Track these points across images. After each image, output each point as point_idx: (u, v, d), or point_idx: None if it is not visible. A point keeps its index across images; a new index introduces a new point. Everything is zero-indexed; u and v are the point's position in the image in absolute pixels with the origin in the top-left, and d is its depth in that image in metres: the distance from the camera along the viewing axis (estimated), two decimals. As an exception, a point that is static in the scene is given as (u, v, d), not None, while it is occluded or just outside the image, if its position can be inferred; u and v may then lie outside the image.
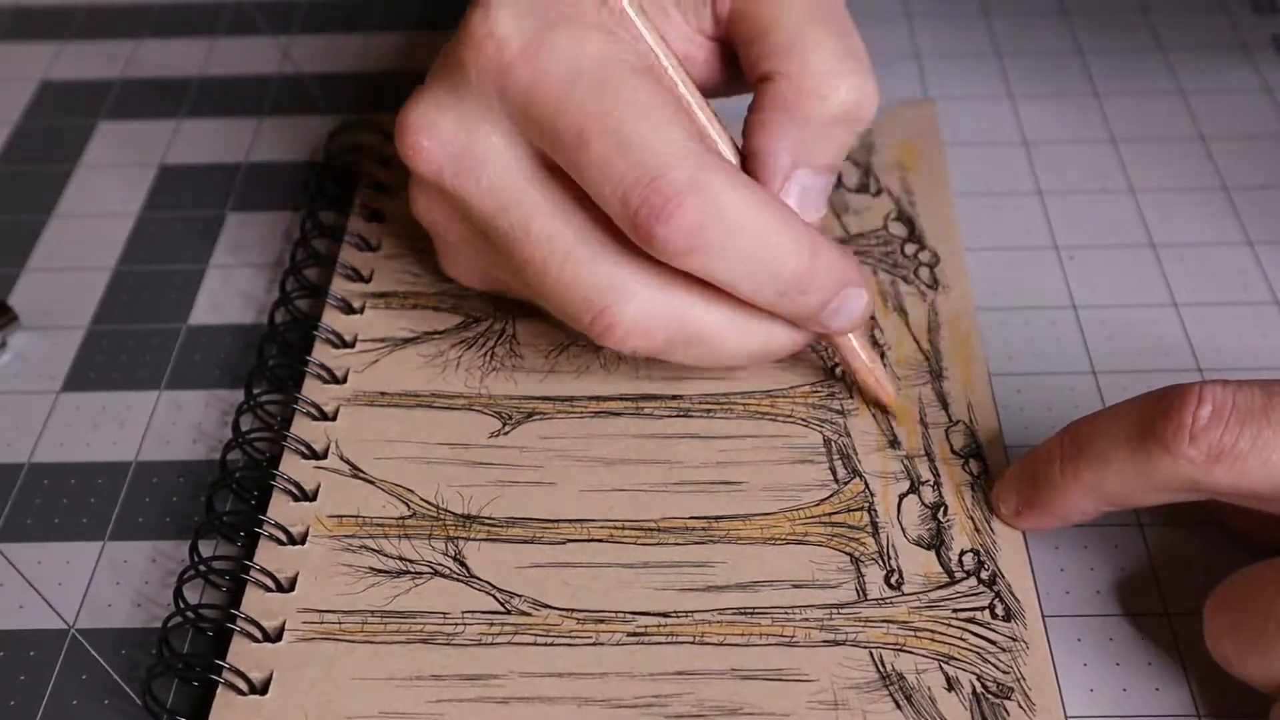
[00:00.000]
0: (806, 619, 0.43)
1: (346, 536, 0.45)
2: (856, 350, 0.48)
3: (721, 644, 0.42)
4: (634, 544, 0.45)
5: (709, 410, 0.49)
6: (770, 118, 0.46)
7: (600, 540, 0.45)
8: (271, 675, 0.42)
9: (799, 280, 0.44)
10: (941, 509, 0.46)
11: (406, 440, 0.48)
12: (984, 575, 0.44)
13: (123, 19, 0.71)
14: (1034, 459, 0.44)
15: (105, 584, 0.46)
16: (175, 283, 0.56)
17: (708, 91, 0.48)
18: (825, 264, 0.44)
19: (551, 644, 0.42)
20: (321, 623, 0.43)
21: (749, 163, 0.46)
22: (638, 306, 0.45)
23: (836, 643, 0.42)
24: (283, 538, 0.45)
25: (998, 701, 0.40)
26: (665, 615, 0.43)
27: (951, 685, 0.41)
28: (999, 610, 0.43)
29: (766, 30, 0.46)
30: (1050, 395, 0.50)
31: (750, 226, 0.43)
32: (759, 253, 0.43)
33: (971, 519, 0.45)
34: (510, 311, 0.52)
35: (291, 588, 0.44)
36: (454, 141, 0.45)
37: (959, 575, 0.44)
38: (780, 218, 0.44)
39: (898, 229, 0.56)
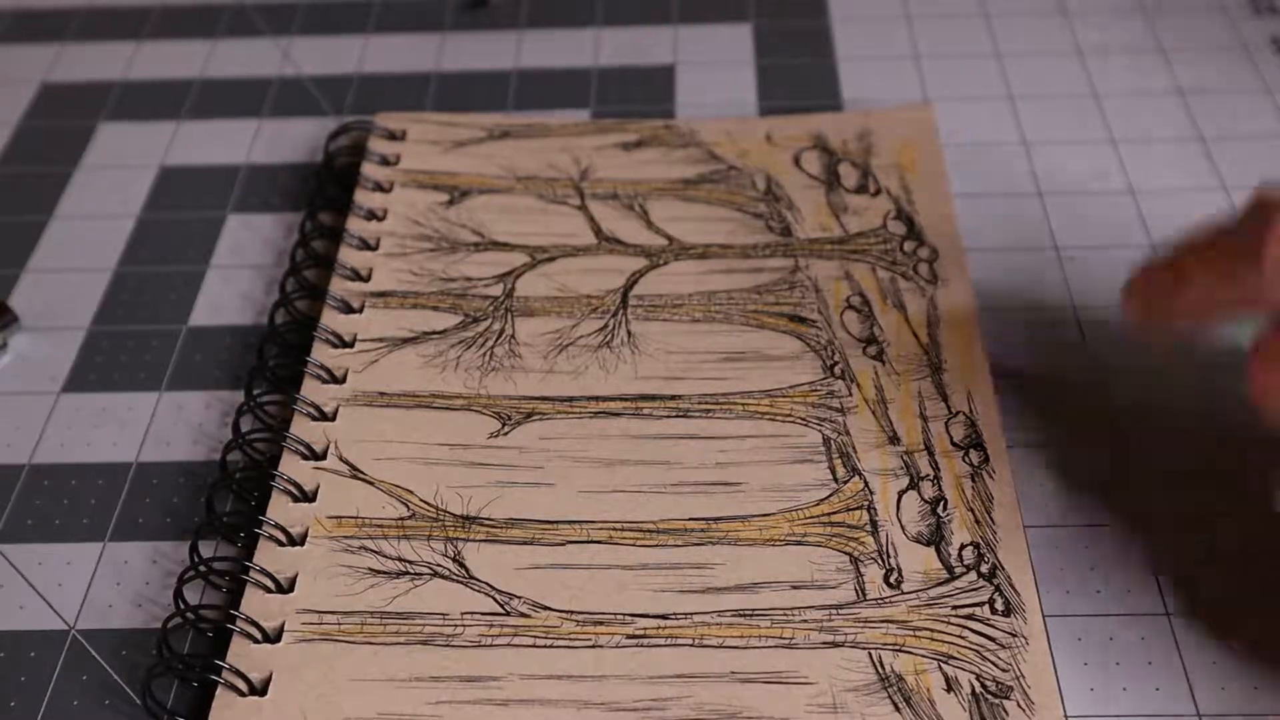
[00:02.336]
0: (806, 620, 0.43)
1: (346, 537, 0.45)
2: None
3: (721, 646, 0.42)
4: (633, 545, 0.45)
5: (708, 410, 0.49)
6: None
7: (599, 542, 0.45)
8: (271, 676, 0.42)
9: None
10: (941, 503, 0.46)
11: (406, 441, 0.48)
12: (984, 569, 0.44)
13: (123, 21, 0.71)
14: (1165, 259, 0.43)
15: (105, 585, 0.46)
16: (175, 284, 0.56)
17: None
18: None
19: (551, 646, 0.42)
20: (321, 623, 0.43)
21: None
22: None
23: (836, 644, 0.42)
24: (282, 538, 0.45)
25: (997, 701, 0.40)
26: (664, 617, 0.43)
27: (950, 686, 0.41)
28: (999, 605, 0.43)
29: None
30: (1050, 395, 0.50)
31: None
32: None
33: (971, 511, 0.45)
34: (510, 312, 0.52)
35: (291, 588, 0.44)
36: None
37: (959, 570, 0.44)
38: None
39: (897, 228, 0.56)
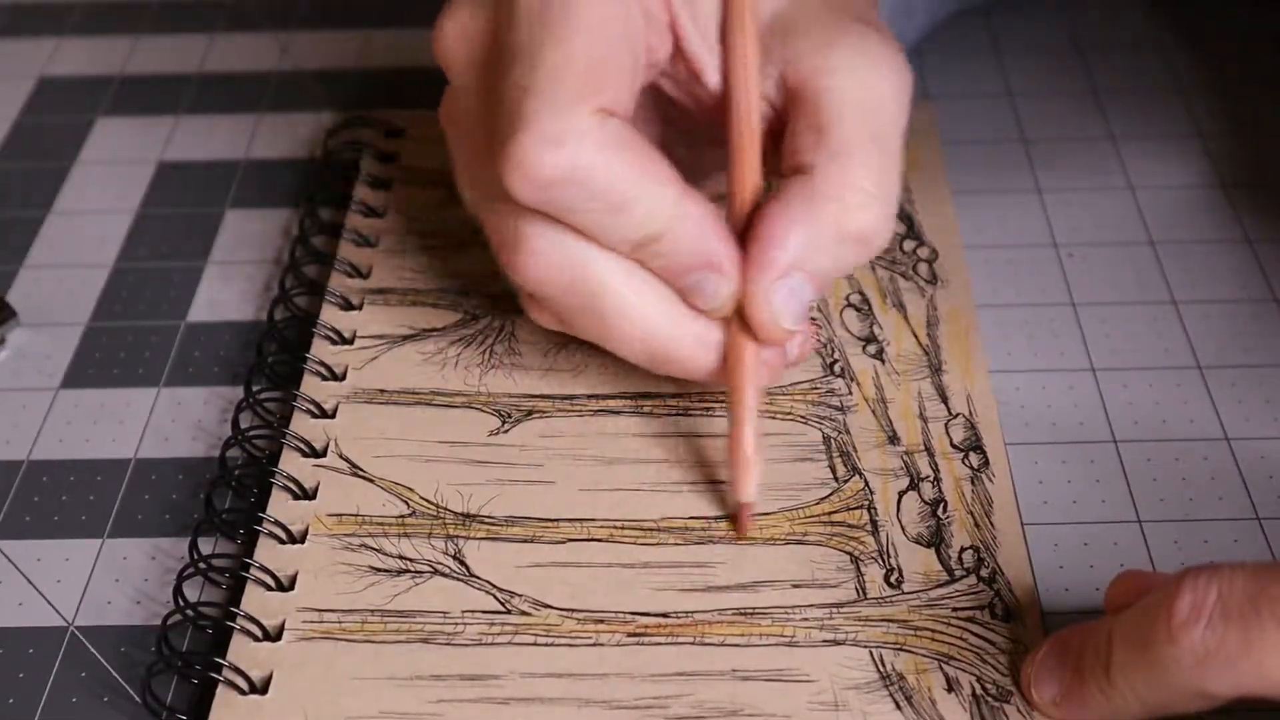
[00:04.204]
0: (806, 619, 0.43)
1: (346, 535, 0.45)
2: (741, 410, 0.45)
3: (722, 644, 0.42)
4: (634, 544, 0.45)
5: (708, 409, 0.49)
6: (791, 210, 0.44)
7: (600, 540, 0.45)
8: (271, 674, 0.42)
9: (652, 237, 0.43)
10: (941, 505, 0.46)
11: (406, 438, 0.48)
12: (984, 573, 0.44)
13: (121, 15, 0.71)
14: (1078, 647, 0.40)
15: (104, 581, 0.46)
16: (174, 280, 0.56)
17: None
18: (687, 232, 0.43)
19: (552, 644, 0.42)
20: (321, 622, 0.43)
21: (750, 246, 0.44)
22: (541, 243, 0.44)
23: (836, 642, 0.42)
24: (282, 536, 0.45)
25: (997, 705, 0.40)
26: (665, 615, 0.43)
27: (951, 686, 0.41)
28: (999, 610, 0.43)
29: (824, 126, 0.44)
30: (1049, 393, 0.50)
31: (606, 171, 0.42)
32: (610, 197, 0.42)
33: (971, 514, 0.45)
34: (510, 309, 0.52)
35: (291, 586, 0.44)
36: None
37: (959, 573, 0.44)
38: (645, 170, 0.43)
39: (896, 226, 0.56)
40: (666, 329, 0.45)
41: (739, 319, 0.45)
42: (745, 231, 0.44)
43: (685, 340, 0.45)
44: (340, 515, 0.46)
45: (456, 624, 0.43)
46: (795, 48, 0.45)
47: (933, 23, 0.63)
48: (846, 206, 0.43)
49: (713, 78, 0.46)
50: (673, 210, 0.43)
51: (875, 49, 0.45)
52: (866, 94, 0.44)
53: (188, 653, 0.43)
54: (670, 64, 0.46)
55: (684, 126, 0.48)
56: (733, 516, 0.46)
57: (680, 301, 0.45)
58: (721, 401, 0.49)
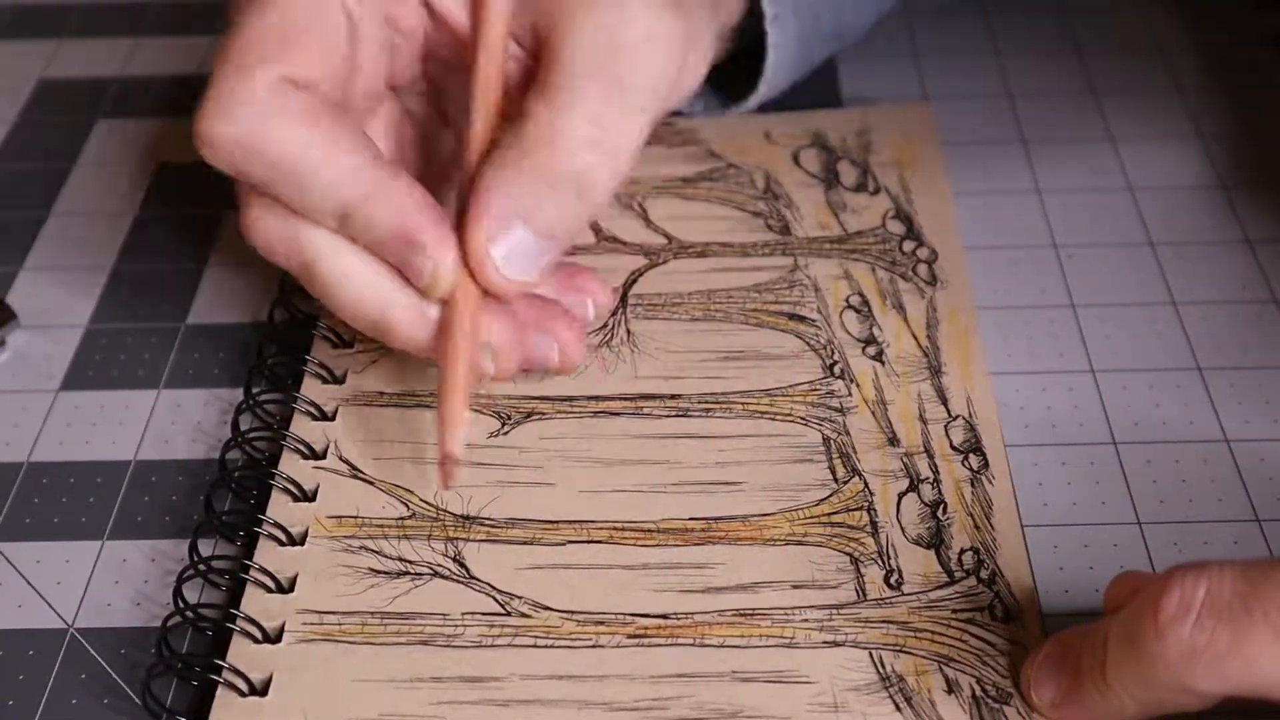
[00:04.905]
0: (806, 620, 0.43)
1: (346, 537, 0.45)
2: (452, 364, 0.45)
3: (722, 645, 0.42)
4: (634, 545, 0.45)
5: (708, 410, 0.49)
6: (503, 157, 0.44)
7: (600, 542, 0.45)
8: (271, 676, 0.42)
9: (343, 211, 0.43)
10: (941, 507, 0.46)
11: (405, 441, 0.48)
12: (983, 575, 0.44)
13: (121, 17, 0.71)
14: (1076, 648, 0.39)
15: (104, 583, 0.46)
16: (174, 281, 0.56)
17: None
18: (380, 207, 0.43)
19: (552, 646, 0.42)
20: (321, 624, 0.43)
21: (470, 199, 0.44)
22: (258, 210, 0.44)
23: (836, 644, 0.42)
24: (282, 538, 0.45)
25: (997, 707, 0.40)
26: (665, 617, 0.43)
27: (951, 688, 0.41)
28: (998, 611, 0.43)
29: (548, 69, 0.44)
30: (1049, 395, 0.50)
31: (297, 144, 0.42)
32: (286, 166, 0.43)
33: (971, 516, 0.45)
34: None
35: (291, 588, 0.44)
36: None
37: (959, 575, 0.44)
38: (329, 142, 0.43)
39: (896, 227, 0.56)
40: (380, 303, 0.45)
41: (465, 277, 0.44)
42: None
43: (400, 314, 0.45)
44: (340, 517, 0.46)
45: (456, 626, 0.43)
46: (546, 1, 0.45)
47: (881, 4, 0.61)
48: (556, 151, 0.43)
49: (465, 33, 0.46)
50: (361, 182, 0.43)
51: None
52: (603, 37, 0.43)
53: (187, 654, 0.43)
54: (434, 30, 0.46)
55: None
56: (442, 471, 0.45)
57: (395, 275, 0.44)
58: (722, 403, 0.49)
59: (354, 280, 0.45)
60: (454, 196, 0.46)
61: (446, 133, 0.50)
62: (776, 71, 0.57)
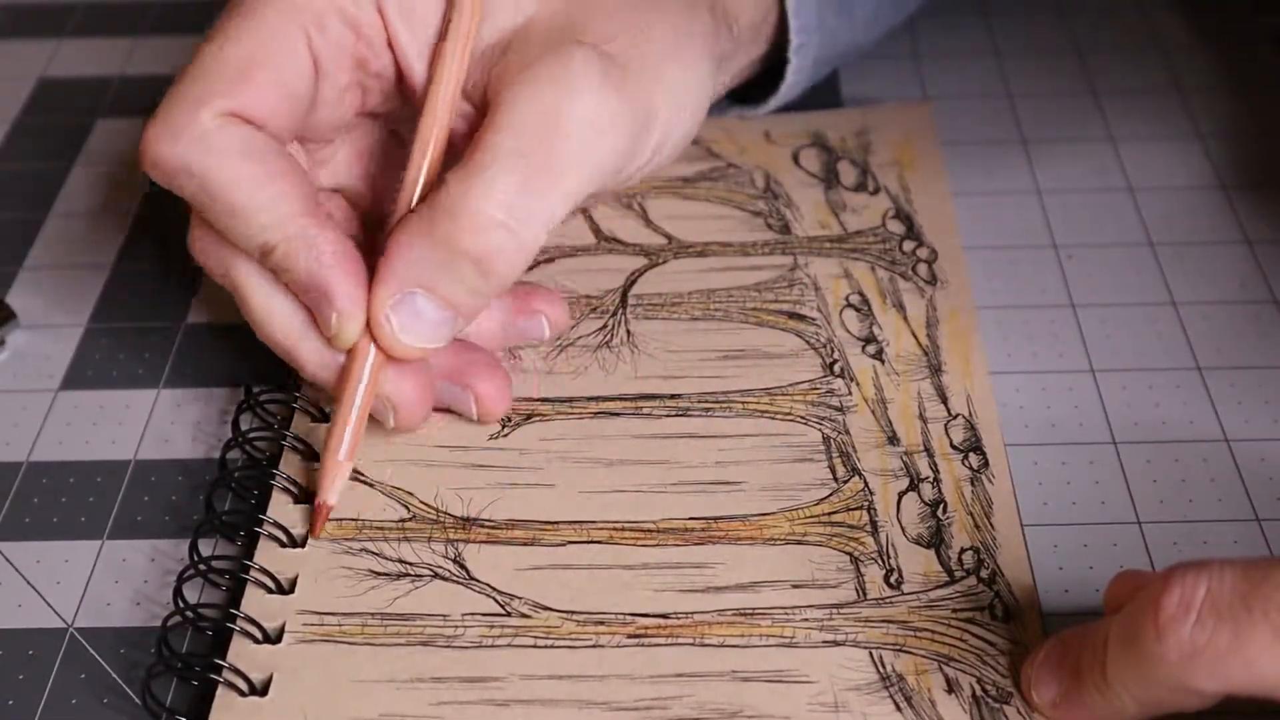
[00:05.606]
0: (806, 619, 0.43)
1: (346, 539, 0.45)
2: (340, 409, 0.45)
3: (722, 645, 0.42)
4: (634, 545, 0.45)
5: (708, 409, 0.49)
6: (411, 225, 0.44)
7: (600, 542, 0.45)
8: (271, 677, 0.42)
9: (266, 250, 0.44)
10: (941, 506, 0.46)
11: (405, 442, 0.48)
12: (984, 574, 0.44)
13: (121, 16, 0.71)
14: (1076, 648, 0.39)
15: (104, 583, 0.46)
16: (173, 281, 0.56)
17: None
18: (300, 255, 0.44)
19: (552, 646, 0.42)
20: (321, 625, 0.43)
21: (379, 260, 0.44)
22: (198, 228, 0.46)
23: (836, 643, 0.42)
24: (283, 538, 0.45)
25: (997, 706, 0.40)
26: (665, 617, 0.43)
27: (951, 687, 0.41)
28: (998, 611, 0.43)
29: (478, 140, 0.43)
30: (1049, 394, 0.50)
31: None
32: (223, 199, 0.43)
33: (971, 515, 0.45)
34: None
35: (291, 589, 0.44)
36: None
37: (959, 574, 0.44)
38: (265, 182, 0.43)
39: (896, 226, 0.56)
40: (294, 338, 0.46)
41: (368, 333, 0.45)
42: None
43: (308, 353, 0.46)
44: (340, 519, 0.46)
45: (457, 627, 0.43)
46: (503, 64, 0.45)
47: (891, 18, 0.61)
48: (460, 226, 0.43)
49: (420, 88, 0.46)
50: (286, 228, 0.44)
51: (576, 70, 0.43)
52: (540, 117, 0.43)
53: (187, 654, 0.43)
54: (399, 79, 0.47)
55: None
56: (314, 518, 0.45)
57: (309, 316, 0.45)
58: (722, 402, 0.49)
59: (271, 312, 0.46)
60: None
61: None
62: (790, 90, 0.58)
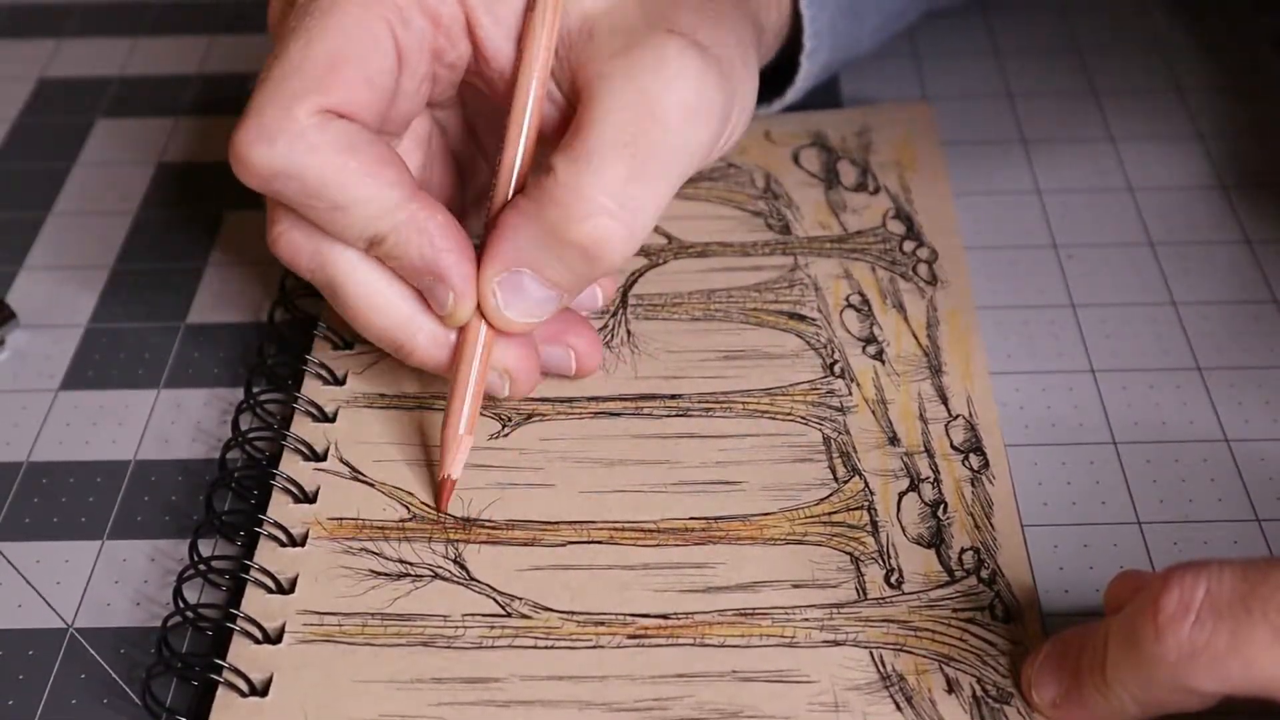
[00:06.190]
0: (807, 619, 0.43)
1: (346, 539, 0.45)
2: (457, 387, 0.46)
3: (722, 645, 0.42)
4: (634, 545, 0.45)
5: (708, 409, 0.49)
6: (520, 208, 0.44)
7: (600, 542, 0.45)
8: (271, 677, 0.42)
9: (377, 239, 0.44)
10: (941, 506, 0.46)
11: (406, 443, 0.48)
12: (984, 574, 0.44)
13: (121, 16, 0.71)
14: (1076, 648, 0.39)
15: (104, 583, 0.46)
16: (174, 281, 0.56)
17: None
18: (411, 239, 0.44)
19: (552, 647, 0.42)
20: (322, 625, 0.43)
21: (486, 239, 0.45)
22: (285, 225, 0.46)
23: (837, 643, 0.42)
24: (283, 538, 0.45)
25: (997, 706, 0.40)
26: (665, 617, 0.43)
27: (952, 687, 0.41)
28: (999, 611, 0.43)
29: (577, 129, 0.43)
30: (1049, 395, 0.50)
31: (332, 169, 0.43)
32: (327, 196, 0.43)
33: (971, 515, 0.45)
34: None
35: (291, 589, 0.44)
36: None
37: (959, 574, 0.44)
38: (369, 174, 0.43)
39: (896, 227, 0.56)
40: (402, 325, 0.46)
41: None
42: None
43: (420, 337, 0.46)
44: (340, 519, 0.46)
45: (457, 627, 0.43)
46: (590, 51, 0.45)
47: (896, 25, 0.61)
48: (570, 214, 0.43)
49: (507, 73, 0.46)
50: (396, 215, 0.44)
51: (672, 59, 0.43)
52: (638, 107, 0.43)
53: (187, 654, 0.43)
54: (477, 66, 0.47)
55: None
56: (440, 491, 0.46)
57: (418, 299, 0.46)
58: (722, 402, 0.49)
59: (377, 300, 0.46)
60: (481, 216, 0.47)
61: (472, 144, 0.51)
62: (796, 93, 0.58)
